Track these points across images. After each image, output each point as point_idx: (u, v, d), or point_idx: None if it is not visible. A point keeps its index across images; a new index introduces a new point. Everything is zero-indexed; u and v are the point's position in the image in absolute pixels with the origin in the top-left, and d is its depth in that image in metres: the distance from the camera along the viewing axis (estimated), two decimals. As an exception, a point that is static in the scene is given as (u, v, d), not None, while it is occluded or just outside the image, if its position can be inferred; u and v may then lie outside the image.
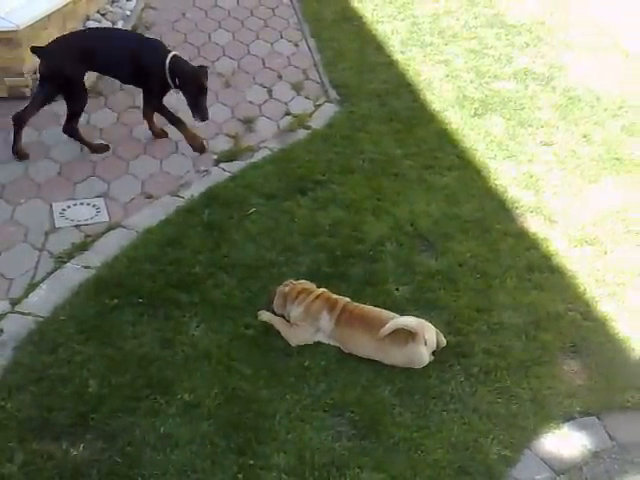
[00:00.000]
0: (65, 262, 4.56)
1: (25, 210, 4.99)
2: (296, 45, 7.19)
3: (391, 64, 6.91)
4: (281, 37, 7.31)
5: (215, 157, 5.53)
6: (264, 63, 6.88)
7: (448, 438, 3.66)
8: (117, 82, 5.84)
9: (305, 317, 4.08)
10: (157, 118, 5.64)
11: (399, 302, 4.36)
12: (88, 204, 5.07)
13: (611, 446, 3.71)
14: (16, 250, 4.67)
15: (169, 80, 5.26)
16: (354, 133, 5.91)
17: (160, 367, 3.89)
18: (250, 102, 6.28)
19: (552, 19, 7.82)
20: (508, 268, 4.69)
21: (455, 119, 6.17)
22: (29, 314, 4.17)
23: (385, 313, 4.06)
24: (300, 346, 4.06)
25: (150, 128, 5.69)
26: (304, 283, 4.22)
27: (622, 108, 6.40)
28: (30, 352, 3.94)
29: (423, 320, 4.04)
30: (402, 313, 4.12)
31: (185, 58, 5.49)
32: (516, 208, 5.23)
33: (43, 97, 5.36)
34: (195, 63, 5.76)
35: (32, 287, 4.37)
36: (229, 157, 5.56)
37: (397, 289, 4.48)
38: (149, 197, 5.16)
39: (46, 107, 5.46)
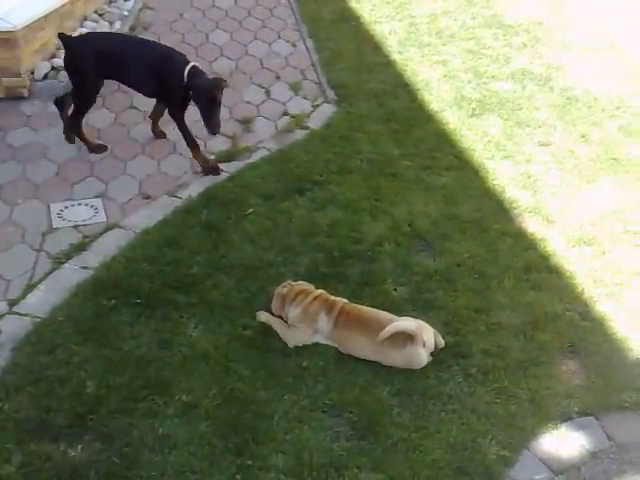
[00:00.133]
0: (63, 263, 4.55)
1: (23, 211, 4.98)
2: (294, 45, 7.19)
3: (389, 64, 6.91)
4: (279, 37, 7.31)
5: (213, 157, 5.53)
6: (262, 63, 6.88)
7: (446, 438, 3.66)
8: (114, 83, 5.82)
9: (303, 318, 4.08)
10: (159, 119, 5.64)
11: (397, 302, 4.36)
12: (86, 205, 5.07)
13: (609, 446, 3.71)
14: (14, 251, 4.66)
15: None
16: (352, 133, 5.91)
17: (158, 368, 3.89)
18: (248, 102, 6.27)
19: (550, 20, 7.83)
20: (506, 268, 4.69)
21: (453, 119, 6.17)
22: (27, 315, 4.17)
23: (383, 314, 4.06)
24: (298, 347, 4.06)
25: (152, 129, 5.70)
26: (302, 284, 4.21)
27: (620, 108, 6.41)
28: (28, 353, 3.93)
29: (421, 321, 4.05)
30: (400, 313, 4.12)
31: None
32: (514, 208, 5.23)
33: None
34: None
35: (30, 288, 4.36)
36: (227, 157, 5.56)
37: (395, 289, 4.48)
38: (147, 197, 5.16)
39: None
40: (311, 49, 7.10)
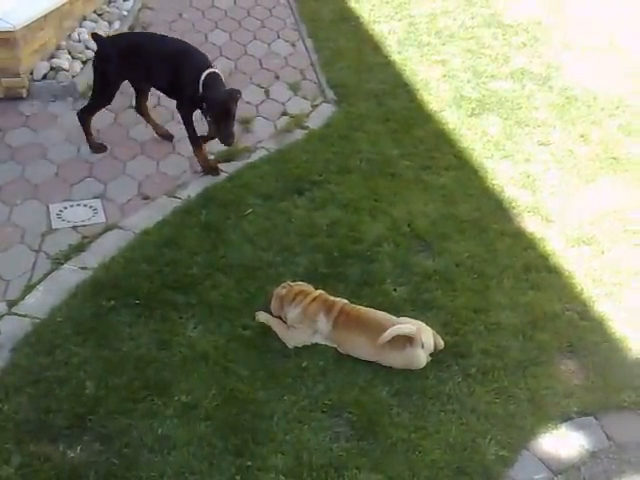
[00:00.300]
0: (62, 263, 4.55)
1: (22, 211, 4.98)
2: (293, 45, 7.19)
3: (388, 64, 6.91)
4: (278, 37, 7.31)
5: (212, 157, 5.52)
6: (261, 63, 6.88)
7: (446, 438, 3.66)
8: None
9: (302, 319, 4.08)
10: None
11: (396, 302, 4.36)
12: (85, 205, 5.07)
13: (608, 446, 3.71)
14: (13, 251, 4.66)
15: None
16: (351, 133, 5.91)
17: (157, 368, 3.89)
18: (247, 102, 6.26)
19: (549, 19, 7.82)
20: (505, 268, 4.69)
21: (452, 119, 6.17)
22: (26, 316, 4.17)
23: (382, 315, 4.06)
24: (298, 347, 4.06)
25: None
26: (301, 285, 4.21)
27: (619, 108, 6.40)
28: (27, 354, 3.93)
29: (421, 323, 4.04)
30: (399, 314, 4.12)
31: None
32: (513, 208, 5.23)
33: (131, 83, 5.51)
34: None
35: (29, 289, 4.36)
36: (226, 157, 5.55)
37: (394, 289, 4.48)
38: (146, 198, 5.16)
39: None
40: (310, 49, 7.10)
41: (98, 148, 5.55)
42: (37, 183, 5.24)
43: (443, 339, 4.08)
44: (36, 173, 5.33)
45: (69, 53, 6.38)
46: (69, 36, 6.60)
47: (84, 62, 6.36)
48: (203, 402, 3.73)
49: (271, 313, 4.19)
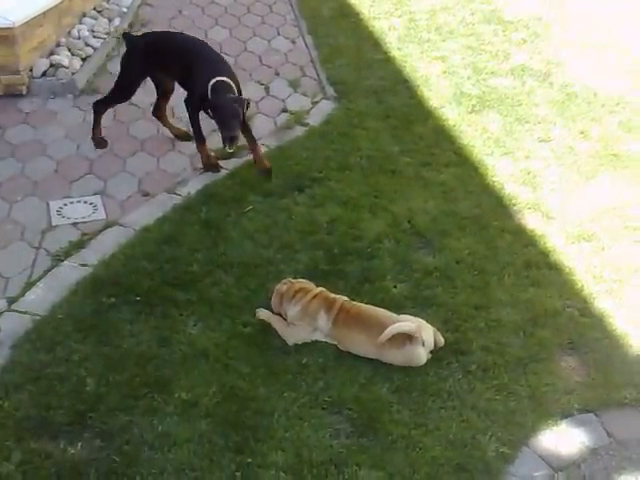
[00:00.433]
0: (62, 260, 4.55)
1: (22, 208, 4.98)
2: (293, 42, 7.18)
3: (388, 61, 6.90)
4: (278, 34, 7.30)
5: (213, 154, 5.51)
6: (261, 60, 6.88)
7: (446, 435, 3.65)
8: (113, 79, 5.79)
9: (302, 316, 4.07)
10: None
11: (397, 299, 4.36)
12: (85, 202, 5.06)
13: (609, 443, 3.70)
14: (13, 248, 4.66)
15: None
16: (351, 130, 5.90)
17: (158, 365, 3.89)
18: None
19: (549, 15, 7.82)
20: (506, 265, 4.69)
21: (452, 116, 6.16)
22: (26, 313, 4.16)
23: (382, 312, 4.05)
24: (298, 344, 4.06)
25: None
26: (302, 282, 4.21)
27: (619, 104, 6.40)
28: (27, 351, 3.93)
29: (421, 320, 4.04)
30: (400, 311, 4.12)
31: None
32: (513, 205, 5.23)
33: (156, 84, 5.54)
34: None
35: (29, 285, 4.36)
36: (226, 154, 5.54)
37: (395, 286, 4.47)
38: (146, 195, 5.15)
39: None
40: (310, 45, 7.09)
41: (100, 143, 5.55)
42: (37, 180, 5.24)
43: (443, 336, 4.08)
44: (36, 170, 5.32)
45: (69, 50, 6.37)
46: (69, 33, 6.60)
47: (84, 59, 6.36)
48: (203, 399, 3.73)
49: (272, 310, 4.19)
